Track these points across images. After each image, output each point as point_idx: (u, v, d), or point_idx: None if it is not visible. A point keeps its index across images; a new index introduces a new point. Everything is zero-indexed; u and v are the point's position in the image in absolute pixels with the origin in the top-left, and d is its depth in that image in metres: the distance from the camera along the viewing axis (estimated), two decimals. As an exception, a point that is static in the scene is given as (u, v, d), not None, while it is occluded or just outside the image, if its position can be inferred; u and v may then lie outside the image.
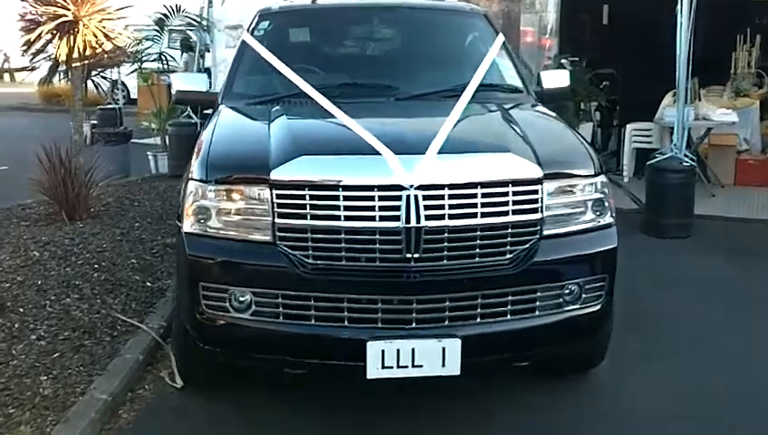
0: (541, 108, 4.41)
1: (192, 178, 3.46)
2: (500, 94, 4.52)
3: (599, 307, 3.49)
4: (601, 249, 3.50)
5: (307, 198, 3.24)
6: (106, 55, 7.21)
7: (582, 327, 3.51)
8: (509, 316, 3.31)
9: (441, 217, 3.23)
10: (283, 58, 4.55)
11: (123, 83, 15.59)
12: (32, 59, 7.12)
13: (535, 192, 3.35)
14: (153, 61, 10.41)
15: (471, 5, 5.95)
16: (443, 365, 3.21)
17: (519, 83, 4.75)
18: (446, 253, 3.26)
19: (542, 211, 3.36)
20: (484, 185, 3.27)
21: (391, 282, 3.23)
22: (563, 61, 8.84)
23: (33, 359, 4.10)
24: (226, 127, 3.95)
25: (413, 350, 3.19)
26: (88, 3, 6.91)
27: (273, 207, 3.28)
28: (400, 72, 4.69)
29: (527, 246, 3.35)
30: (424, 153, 3.28)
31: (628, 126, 9.50)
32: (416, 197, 3.20)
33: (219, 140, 3.72)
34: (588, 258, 3.48)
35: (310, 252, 3.26)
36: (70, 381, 3.89)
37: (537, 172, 3.36)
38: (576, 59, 10.36)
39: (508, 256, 3.33)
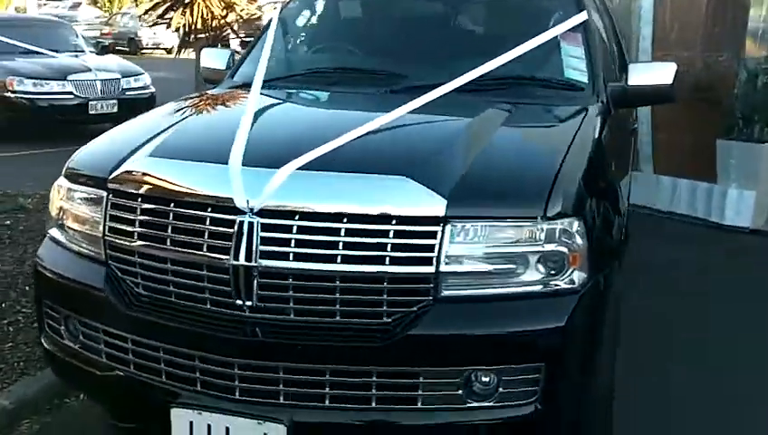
0: (576, 115, 3.15)
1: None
2: (545, 91, 3.43)
3: (530, 410, 2.38)
4: (541, 327, 2.38)
5: (138, 211, 2.55)
6: (229, 26, 6.87)
7: None
8: (374, 404, 2.35)
9: (285, 257, 2.35)
10: (305, 36, 3.92)
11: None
12: (167, 27, 7.03)
13: (431, 235, 2.33)
14: None
15: None
16: None
17: (583, 78, 3.54)
18: (291, 305, 2.38)
19: (438, 263, 2.33)
20: (351, 218, 2.34)
21: (213, 335, 2.42)
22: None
23: None
24: (151, 114, 3.36)
25: (227, 429, 2.38)
26: None
27: (105, 218, 2.63)
28: (429, 59, 3.72)
29: (412, 309, 2.35)
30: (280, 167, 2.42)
31: None
32: (250, 224, 2.36)
33: (120, 127, 3.17)
34: (513, 337, 2.37)
35: (139, 280, 2.57)
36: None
37: (437, 208, 2.32)
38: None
39: (385, 319, 2.36)
